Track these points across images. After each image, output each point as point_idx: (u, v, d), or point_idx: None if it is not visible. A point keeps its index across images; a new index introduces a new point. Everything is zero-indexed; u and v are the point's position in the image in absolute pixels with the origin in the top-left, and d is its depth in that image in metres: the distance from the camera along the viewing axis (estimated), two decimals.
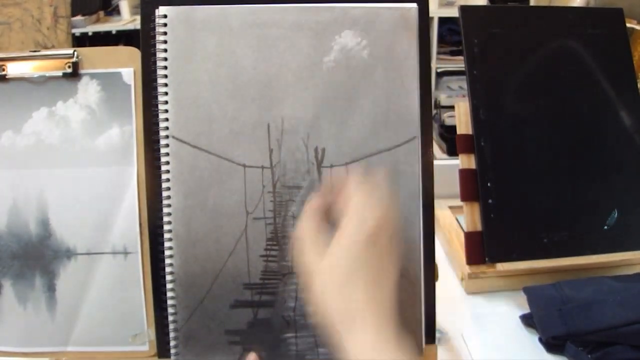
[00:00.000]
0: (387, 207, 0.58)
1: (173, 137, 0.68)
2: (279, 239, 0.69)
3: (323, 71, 0.68)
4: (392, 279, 0.56)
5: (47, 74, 0.72)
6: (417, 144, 0.69)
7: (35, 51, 0.74)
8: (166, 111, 0.68)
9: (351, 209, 0.56)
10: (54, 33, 1.30)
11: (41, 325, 0.72)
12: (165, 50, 0.67)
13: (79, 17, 2.82)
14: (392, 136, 0.69)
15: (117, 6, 3.14)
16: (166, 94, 0.68)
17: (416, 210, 0.70)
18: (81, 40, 2.84)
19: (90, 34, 2.92)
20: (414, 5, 0.70)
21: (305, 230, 0.59)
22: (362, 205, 0.57)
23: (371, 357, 0.50)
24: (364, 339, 0.51)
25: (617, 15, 0.99)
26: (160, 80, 0.68)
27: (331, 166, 0.69)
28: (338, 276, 0.54)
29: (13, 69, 0.72)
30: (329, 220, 0.60)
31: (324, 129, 0.68)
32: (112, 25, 3.02)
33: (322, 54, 0.68)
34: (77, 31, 2.78)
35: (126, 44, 0.75)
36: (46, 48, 1.30)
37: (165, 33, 0.67)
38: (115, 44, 2.79)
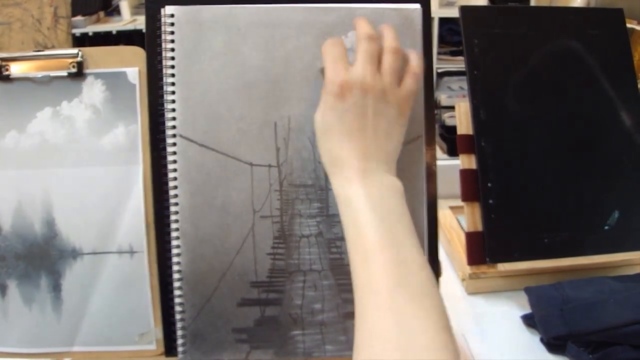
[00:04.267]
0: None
1: (180, 135, 0.68)
2: (285, 237, 0.69)
3: None
4: (382, 126, 0.62)
5: (51, 74, 0.72)
6: (422, 142, 0.70)
7: (38, 51, 0.74)
8: (173, 110, 0.68)
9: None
10: (54, 33, 1.30)
11: (47, 326, 0.72)
12: (173, 50, 0.68)
13: (79, 18, 2.82)
14: None
15: (118, 6, 3.13)
16: (173, 93, 0.68)
17: (420, 209, 0.70)
18: (81, 41, 2.83)
19: (90, 34, 2.91)
20: (418, 6, 0.70)
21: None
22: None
23: (350, 192, 0.58)
24: (343, 178, 0.59)
25: (617, 16, 0.99)
26: (168, 80, 0.68)
27: None
28: (320, 126, 0.62)
29: (16, 69, 0.72)
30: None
31: None
32: (113, 26, 3.01)
33: None
34: (77, 31, 2.78)
35: (126, 45, 0.75)
36: (46, 48, 1.30)
37: (172, 32, 0.68)
38: (116, 44, 2.78)
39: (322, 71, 0.67)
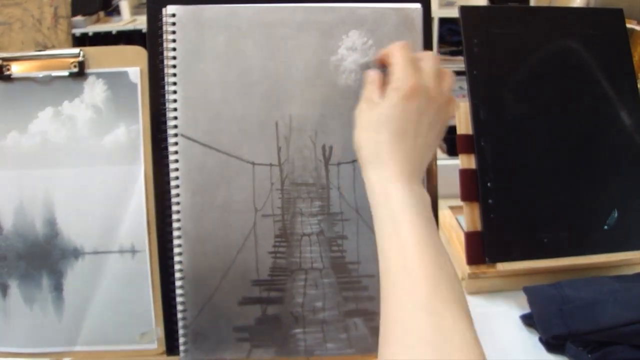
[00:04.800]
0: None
1: (182, 135, 0.68)
2: (287, 236, 0.70)
3: (330, 70, 0.69)
4: (427, 137, 0.62)
5: (52, 74, 0.72)
6: None
7: (40, 51, 0.74)
8: (175, 109, 0.68)
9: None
10: (54, 33, 1.30)
11: (48, 325, 0.72)
12: (174, 49, 0.68)
13: (79, 18, 2.81)
14: None
15: (118, 6, 3.12)
16: (175, 92, 0.68)
17: None
18: (81, 41, 2.83)
19: (90, 34, 2.91)
20: (418, 5, 0.70)
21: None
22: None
23: (392, 188, 0.58)
24: (385, 173, 0.59)
25: (617, 16, 1.00)
26: (169, 79, 0.68)
27: (338, 164, 0.69)
28: (373, 119, 0.62)
29: (18, 69, 0.73)
30: None
31: (332, 127, 0.69)
32: (112, 26, 3.01)
33: (330, 53, 0.69)
34: (77, 31, 2.78)
35: (127, 44, 0.75)
36: (47, 48, 1.30)
37: (174, 32, 0.68)
38: (116, 44, 2.78)
39: (362, 66, 0.69)
